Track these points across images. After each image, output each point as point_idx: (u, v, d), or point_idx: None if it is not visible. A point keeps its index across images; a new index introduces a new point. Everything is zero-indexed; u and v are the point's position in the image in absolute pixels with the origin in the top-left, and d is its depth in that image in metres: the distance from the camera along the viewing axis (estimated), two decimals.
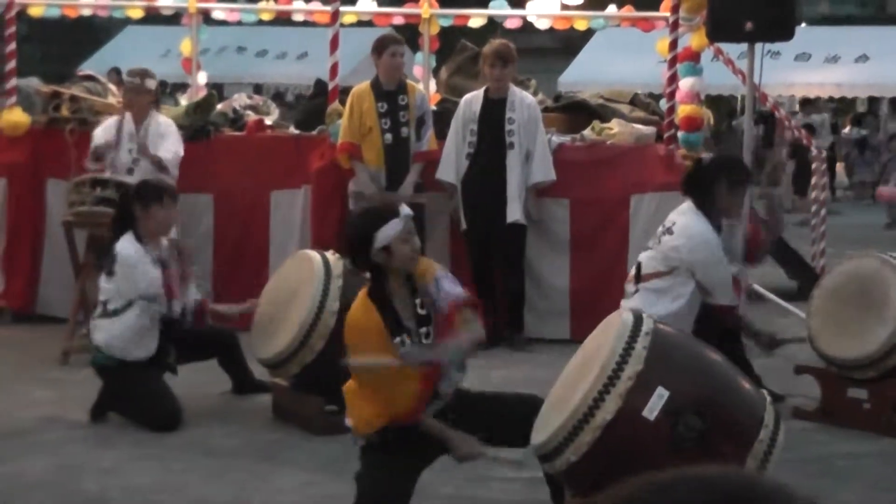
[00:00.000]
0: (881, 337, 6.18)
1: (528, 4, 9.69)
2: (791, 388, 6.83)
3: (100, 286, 6.48)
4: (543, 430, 4.33)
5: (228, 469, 5.61)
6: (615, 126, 8.71)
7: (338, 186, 8.46)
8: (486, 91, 8.30)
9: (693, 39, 8.82)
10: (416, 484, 4.56)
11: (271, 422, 6.38)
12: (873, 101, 23.46)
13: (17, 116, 8.92)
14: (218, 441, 6.04)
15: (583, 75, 20.32)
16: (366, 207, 5.49)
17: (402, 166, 8.22)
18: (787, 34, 8.06)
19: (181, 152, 8.10)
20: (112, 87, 9.64)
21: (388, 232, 4.46)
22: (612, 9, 9.72)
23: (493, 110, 8.22)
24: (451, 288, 4.54)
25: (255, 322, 6.38)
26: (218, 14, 10.30)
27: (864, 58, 19.97)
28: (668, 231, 6.13)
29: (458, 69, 9.74)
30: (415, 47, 10.10)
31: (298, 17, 10.23)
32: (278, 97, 19.68)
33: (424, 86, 9.16)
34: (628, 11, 9.57)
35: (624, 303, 5.95)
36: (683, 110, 8.70)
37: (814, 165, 11.00)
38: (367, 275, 4.61)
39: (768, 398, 4.46)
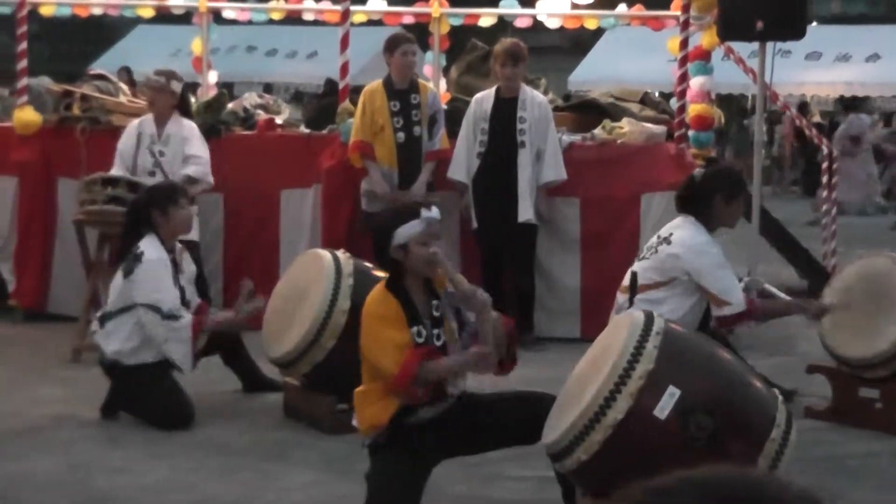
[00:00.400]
0: (892, 336, 6.15)
1: (538, 3, 9.69)
2: (803, 387, 6.82)
3: (112, 285, 6.46)
4: (554, 429, 4.33)
5: (238, 468, 5.61)
6: (625, 125, 8.69)
7: (348, 185, 8.46)
8: (497, 90, 8.29)
9: (704, 38, 8.82)
10: (427, 483, 4.56)
11: (282, 421, 6.37)
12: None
13: (29, 115, 8.92)
14: (228, 440, 6.03)
15: (593, 74, 20.33)
16: (396, 205, 5.55)
17: (414, 165, 8.21)
18: (797, 33, 8.05)
19: (206, 155, 8.06)
20: (123, 86, 9.64)
21: (406, 231, 4.49)
22: (622, 8, 9.71)
23: (505, 109, 8.21)
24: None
25: (266, 321, 6.36)
26: (228, 13, 10.33)
27: (875, 56, 19.93)
28: (666, 241, 5.82)
29: (469, 68, 9.73)
30: (425, 46, 10.10)
31: (309, 17, 10.26)
32: (298, 97, 19.54)
33: (435, 85, 9.17)
34: (639, 10, 9.56)
35: (614, 316, 5.61)
36: (694, 109, 8.70)
37: (823, 165, 10.97)
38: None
39: (780, 398, 4.45)
